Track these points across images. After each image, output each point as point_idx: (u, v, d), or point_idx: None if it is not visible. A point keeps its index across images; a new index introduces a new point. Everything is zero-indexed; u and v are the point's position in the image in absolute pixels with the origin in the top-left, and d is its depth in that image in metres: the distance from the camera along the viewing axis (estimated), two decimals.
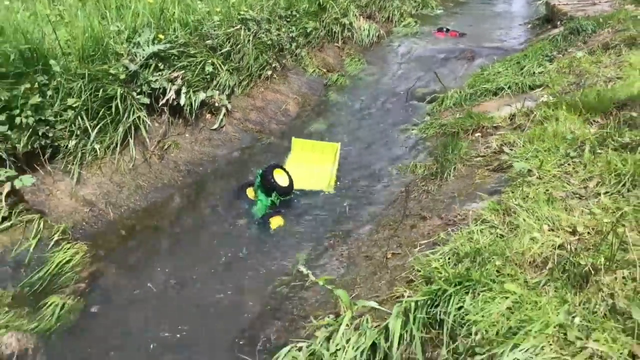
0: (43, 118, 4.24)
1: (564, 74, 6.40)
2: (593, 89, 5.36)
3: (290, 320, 3.24)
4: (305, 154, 5.61)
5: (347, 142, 6.02)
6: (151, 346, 3.14)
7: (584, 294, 2.30)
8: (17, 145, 4.05)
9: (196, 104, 5.59)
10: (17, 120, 4.04)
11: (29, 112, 4.09)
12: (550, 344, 1.99)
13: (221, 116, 5.97)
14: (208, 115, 6.01)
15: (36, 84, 4.20)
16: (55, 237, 3.85)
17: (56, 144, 4.37)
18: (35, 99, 4.13)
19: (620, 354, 1.90)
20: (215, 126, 5.91)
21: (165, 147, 5.22)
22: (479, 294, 2.45)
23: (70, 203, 4.23)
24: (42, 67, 4.33)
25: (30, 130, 4.14)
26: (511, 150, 4.39)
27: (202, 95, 5.72)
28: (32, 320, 3.26)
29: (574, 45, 7.74)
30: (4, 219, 3.74)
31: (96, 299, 3.51)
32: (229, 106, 6.13)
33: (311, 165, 5.42)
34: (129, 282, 3.68)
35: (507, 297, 2.37)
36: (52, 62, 4.38)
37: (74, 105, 4.44)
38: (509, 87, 6.59)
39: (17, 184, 3.73)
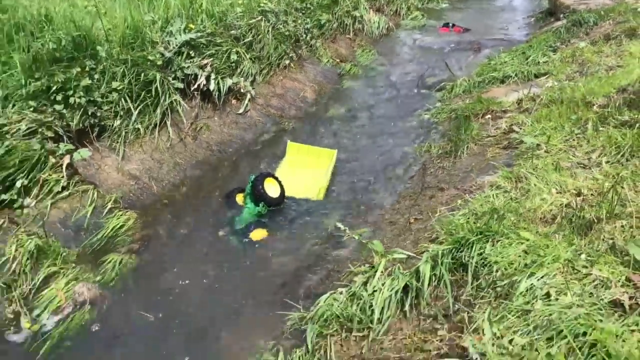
0: (92, 99, 4.65)
1: (567, 63, 6.81)
2: (595, 76, 5.77)
3: (327, 274, 3.67)
4: (300, 159, 5.44)
5: (362, 126, 6.44)
6: (198, 294, 3.56)
7: (588, 238, 2.72)
8: (70, 123, 4.47)
9: (224, 90, 6.00)
10: (71, 100, 4.45)
11: (81, 93, 4.51)
12: (561, 273, 2.42)
13: (246, 101, 6.38)
14: (234, 101, 6.42)
15: (86, 67, 4.59)
16: (109, 206, 4.27)
17: (103, 123, 4.77)
18: (86, 81, 4.55)
19: (619, 279, 2.33)
20: (241, 111, 6.33)
21: (198, 128, 5.64)
22: (497, 242, 2.88)
23: (118, 177, 4.65)
24: (90, 52, 4.73)
25: (82, 109, 4.55)
26: (520, 129, 4.80)
27: (229, 82, 6.13)
28: (97, 274, 3.69)
29: (576, 36, 8.15)
30: (64, 188, 4.15)
31: (148, 257, 3.93)
32: (253, 92, 6.55)
33: (304, 171, 5.25)
34: (175, 244, 4.10)
35: (522, 243, 2.80)
36: (99, 48, 4.79)
37: (118, 88, 4.86)
38: (516, 75, 6.99)
39: (76, 156, 4.16)
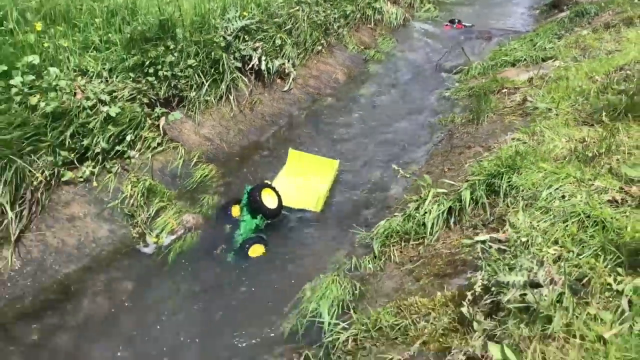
0: (173, 73, 5.59)
1: (571, 48, 7.74)
2: (596, 58, 6.72)
3: (381, 208, 4.63)
4: (301, 167, 5.26)
5: (390, 102, 7.38)
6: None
7: (591, 166, 3.67)
8: (159, 92, 5.41)
9: (273, 69, 6.94)
10: (160, 73, 5.39)
11: (167, 68, 5.44)
12: (572, 184, 3.37)
13: (290, 80, 7.33)
14: (279, 80, 7.37)
15: (169, 47, 5.54)
16: (194, 160, 5.21)
17: (181, 94, 5.71)
18: (170, 58, 5.48)
19: (614, 188, 3.28)
20: (285, 88, 7.27)
21: (253, 102, 6.58)
22: (521, 173, 3.82)
23: (196, 139, 5.60)
24: (170, 34, 5.67)
25: (167, 81, 5.49)
26: (533, 99, 5.75)
27: (276, 63, 7.08)
28: (196, 208, 4.64)
29: (579, 25, 9.09)
30: (159, 144, 5.10)
31: (227, 194, 4.90)
32: (294, 73, 7.49)
33: (304, 180, 5.14)
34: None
35: (540, 172, 3.75)
36: (178, 30, 5.72)
37: (193, 65, 5.79)
38: (525, 59, 7.92)
39: (171, 117, 5.11)
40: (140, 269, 3.91)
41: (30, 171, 3.84)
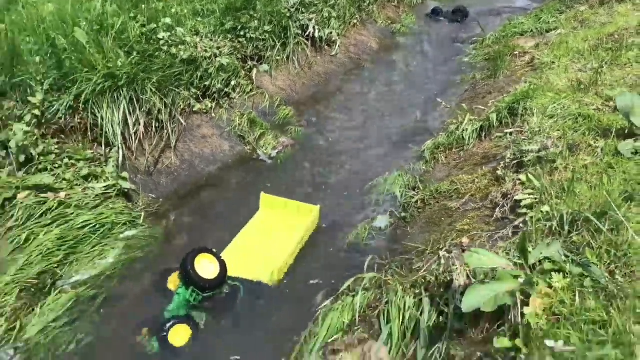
0: (256, 36, 7.15)
1: (571, 21, 9.28)
2: (592, 28, 8.26)
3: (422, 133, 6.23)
4: (274, 215, 4.62)
5: (419, 65, 8.94)
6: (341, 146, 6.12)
7: (583, 92, 5.25)
8: (247, 51, 6.98)
9: (324, 37, 8.51)
10: (247, 35, 6.95)
11: (252, 31, 7.01)
12: (569, 101, 4.95)
13: (336, 47, 8.89)
14: (327, 47, 8.93)
15: (253, 15, 7.10)
16: (277, 103, 6.79)
17: (261, 54, 7.28)
18: (254, 24, 7.05)
19: (597, 102, 4.85)
20: (333, 53, 8.83)
21: (310, 63, 8.15)
22: (533, 99, 5.40)
23: (274, 88, 7.18)
24: (252, 5, 7.22)
25: (252, 43, 7.06)
26: (539, 58, 7.31)
27: (326, 31, 8.63)
28: (286, 135, 6.24)
29: (578, 3, 10.61)
30: (251, 90, 6.69)
31: (306, 127, 6.48)
32: (339, 41, 9.05)
33: (274, 234, 4.39)
34: (318, 121, 6.65)
35: (547, 98, 5.33)
36: (257, 2, 7.28)
37: (268, 30, 7.35)
38: (531, 30, 9.47)
39: (262, 68, 6.69)
40: (256, 170, 5.51)
41: (178, 98, 5.40)
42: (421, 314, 3.03)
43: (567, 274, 2.57)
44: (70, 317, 3.39)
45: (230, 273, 3.76)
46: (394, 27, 10.87)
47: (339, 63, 8.63)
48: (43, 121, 4.26)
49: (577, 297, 2.45)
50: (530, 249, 2.70)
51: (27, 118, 4.10)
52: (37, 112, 4.13)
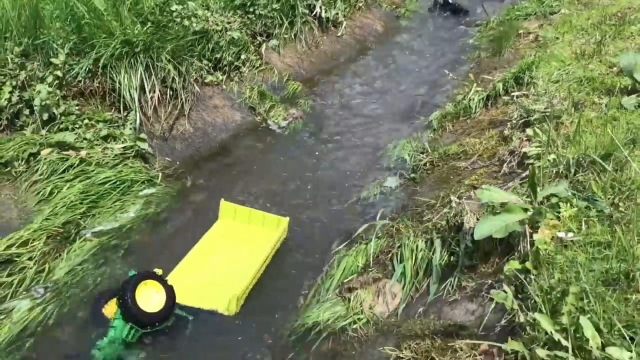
0: (263, 13, 7.29)
1: (574, 3, 9.41)
2: (595, 9, 8.38)
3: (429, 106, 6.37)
4: (235, 228, 3.98)
5: (423, 46, 9.07)
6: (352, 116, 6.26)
7: (588, 59, 5.39)
8: (256, 27, 7.12)
9: (331, 17, 8.64)
10: (256, 12, 7.09)
11: (261, 8, 7.15)
12: (573, 67, 5.09)
13: (342, 28, 9.02)
14: (333, 28, 9.06)
15: None
16: (285, 78, 6.93)
17: (269, 31, 7.42)
18: (263, 1, 7.19)
19: (601, 68, 4.99)
20: (339, 34, 8.96)
21: (317, 42, 8.29)
22: (539, 68, 5.53)
23: (281, 65, 7.32)
24: None
25: (260, 19, 7.20)
26: (543, 36, 7.44)
27: (333, 12, 8.77)
28: (296, 107, 6.38)
29: None
30: (260, 65, 6.83)
31: (315, 100, 6.61)
32: (345, 22, 9.19)
33: (234, 251, 3.75)
34: (327, 96, 6.78)
35: (551, 66, 5.47)
36: None
37: (277, 8, 7.49)
38: (535, 13, 9.59)
39: (271, 43, 6.83)
40: (267, 139, 5.66)
41: (191, 68, 5.54)
42: (433, 254, 3.17)
43: (574, 206, 2.71)
44: (96, 262, 3.52)
45: (178, 300, 3.12)
46: (398, 11, 11.01)
47: (345, 43, 8.77)
48: (64, 83, 4.40)
49: (583, 225, 2.59)
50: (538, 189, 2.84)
51: (49, 79, 4.24)
52: (59, 73, 4.28)
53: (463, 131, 5.27)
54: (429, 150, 4.83)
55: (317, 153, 5.29)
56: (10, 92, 3.96)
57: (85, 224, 3.80)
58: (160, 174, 4.51)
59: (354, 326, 3.00)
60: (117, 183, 4.14)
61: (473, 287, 2.85)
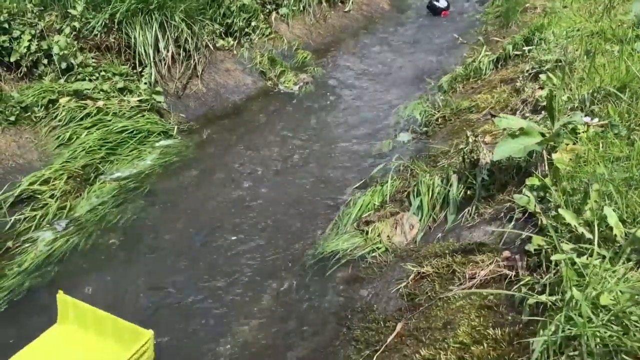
0: None
1: None
2: None
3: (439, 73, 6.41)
4: (75, 338, 2.62)
5: (431, 23, 9.12)
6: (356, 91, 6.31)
7: (598, 19, 5.42)
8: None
9: None
10: None
11: None
12: (582, 24, 5.13)
13: (349, 3, 9.07)
14: (340, 4, 9.11)
15: None
16: (294, 47, 6.98)
17: (277, 1, 7.47)
18: None
19: (610, 25, 5.03)
20: (346, 9, 9.01)
21: (325, 16, 8.34)
22: (550, 28, 5.56)
23: (291, 35, 7.36)
24: None
25: None
26: (550, 7, 7.47)
27: None
28: (305, 72, 6.43)
29: None
30: (270, 33, 6.87)
31: (324, 68, 6.66)
32: None
33: None
34: (336, 64, 6.83)
35: (562, 27, 5.50)
36: None
37: None
38: None
39: (282, 11, 6.87)
40: (279, 100, 5.71)
41: (203, 29, 5.59)
42: (450, 187, 3.22)
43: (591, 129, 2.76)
44: (116, 202, 3.58)
45: None
46: None
47: (352, 18, 8.82)
48: (81, 36, 4.45)
49: (600, 145, 2.64)
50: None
51: (67, 30, 4.29)
52: (76, 24, 4.33)
53: (473, 90, 5.31)
54: (441, 106, 4.86)
55: (328, 113, 5.34)
56: (29, 41, 4.01)
57: (104, 168, 3.85)
58: (175, 127, 4.55)
59: (373, 254, 3.03)
60: (134, 133, 4.20)
61: (491, 212, 2.89)
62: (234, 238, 3.42)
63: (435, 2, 9.56)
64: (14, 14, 3.97)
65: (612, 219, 1.94)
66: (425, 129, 4.68)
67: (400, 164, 3.60)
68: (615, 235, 1.93)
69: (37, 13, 4.16)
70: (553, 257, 1.82)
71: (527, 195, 2.24)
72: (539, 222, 2.25)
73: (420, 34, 8.40)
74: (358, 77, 6.41)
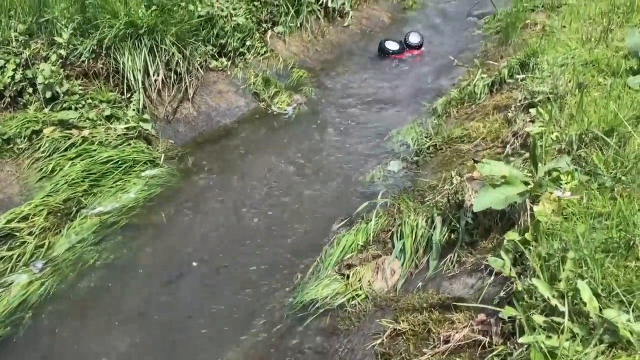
0: (269, 1, 7.27)
1: None
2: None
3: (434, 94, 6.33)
4: None
5: (430, 37, 9.02)
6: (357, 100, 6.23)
7: (594, 44, 5.33)
8: (261, 15, 7.11)
9: (337, 7, 8.62)
10: (262, 0, 7.08)
11: None
12: (579, 50, 5.04)
13: (348, 18, 9.00)
14: (339, 18, 9.04)
15: None
16: (290, 65, 6.92)
17: (274, 19, 7.40)
18: None
19: (606, 53, 4.93)
20: (345, 24, 8.94)
21: (323, 32, 8.27)
22: (545, 54, 5.48)
23: (287, 53, 7.30)
24: None
25: (266, 6, 7.18)
26: (550, 25, 7.38)
27: (339, 2, 8.74)
28: (299, 93, 6.36)
29: None
30: (265, 52, 6.81)
31: (319, 88, 6.59)
32: (351, 13, 9.16)
33: None
34: (332, 84, 6.75)
35: (557, 52, 5.41)
36: None
37: None
38: (543, 6, 9.51)
39: (277, 29, 6.82)
40: (271, 123, 5.65)
41: (195, 52, 5.54)
42: (433, 230, 3.14)
43: (575, 179, 2.67)
44: (95, 239, 3.52)
45: None
46: (405, 3, 10.96)
47: (351, 33, 8.75)
48: (67, 63, 4.41)
49: (584, 198, 2.56)
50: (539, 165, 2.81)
51: (53, 58, 4.24)
52: (62, 52, 4.29)
53: (467, 116, 5.23)
54: (432, 135, 4.79)
55: (320, 138, 5.28)
56: (14, 70, 3.97)
57: (87, 202, 3.79)
58: (162, 156, 4.50)
59: (352, 302, 2.96)
60: (119, 163, 4.15)
61: (472, 262, 2.82)
62: (208, 282, 3.35)
63: (387, 45, 7.71)
64: None
65: (586, 293, 1.86)
66: (416, 158, 4.60)
67: (386, 202, 3.50)
68: (589, 312, 1.85)
69: (23, 42, 4.11)
70: (521, 340, 1.75)
71: (502, 258, 2.16)
72: (515, 286, 2.17)
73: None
74: (352, 97, 6.35)
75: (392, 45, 7.62)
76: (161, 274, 3.40)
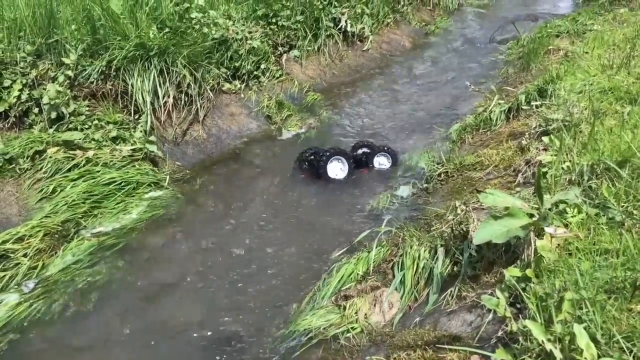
0: (286, 24, 7.26)
1: (609, 21, 9.13)
2: (630, 26, 8.10)
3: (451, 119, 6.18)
4: None
5: (451, 62, 8.91)
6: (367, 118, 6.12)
7: (615, 71, 5.15)
8: (278, 38, 7.09)
9: (357, 32, 8.57)
10: (279, 23, 7.07)
11: (284, 19, 7.12)
12: (598, 78, 4.86)
13: (368, 42, 8.94)
14: (359, 42, 8.99)
15: (285, 3, 7.22)
16: (305, 89, 6.86)
17: (291, 42, 7.38)
18: (286, 12, 7.16)
19: (628, 79, 4.75)
20: (365, 48, 8.89)
21: (341, 55, 8.22)
22: (563, 81, 5.32)
23: (303, 76, 7.25)
24: None
25: (283, 30, 7.16)
26: (572, 51, 7.20)
27: (358, 26, 8.70)
28: (312, 116, 6.28)
29: (618, 6, 10.44)
30: (280, 75, 6.77)
31: (335, 110, 6.51)
32: (371, 37, 9.11)
33: None
34: (349, 106, 6.66)
35: (577, 78, 5.24)
36: None
37: (300, 20, 7.46)
38: (567, 32, 9.34)
39: (292, 53, 6.78)
40: (280, 147, 5.58)
41: (208, 75, 5.52)
42: (435, 262, 3.00)
43: (583, 212, 2.52)
44: (92, 261, 3.45)
45: None
46: (427, 28, 10.89)
47: (370, 58, 8.70)
48: (75, 83, 4.42)
49: (591, 232, 2.39)
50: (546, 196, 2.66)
51: (61, 78, 4.25)
52: (70, 72, 4.29)
53: (482, 143, 5.08)
54: (444, 161, 4.65)
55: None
56: (20, 90, 3.98)
57: (86, 223, 3.75)
58: (167, 177, 4.45)
59: (347, 335, 2.81)
60: (122, 184, 4.10)
61: (473, 297, 2.66)
62: (202, 308, 3.24)
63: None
64: (5, 63, 3.94)
65: (583, 339, 1.70)
66: (426, 184, 4.45)
67: (389, 231, 3.37)
68: (585, 359, 1.68)
69: (30, 62, 4.13)
70: None
71: (497, 297, 2.00)
72: (510, 327, 2.01)
73: (440, 73, 8.22)
74: (367, 121, 6.25)
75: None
76: (154, 299, 3.30)
